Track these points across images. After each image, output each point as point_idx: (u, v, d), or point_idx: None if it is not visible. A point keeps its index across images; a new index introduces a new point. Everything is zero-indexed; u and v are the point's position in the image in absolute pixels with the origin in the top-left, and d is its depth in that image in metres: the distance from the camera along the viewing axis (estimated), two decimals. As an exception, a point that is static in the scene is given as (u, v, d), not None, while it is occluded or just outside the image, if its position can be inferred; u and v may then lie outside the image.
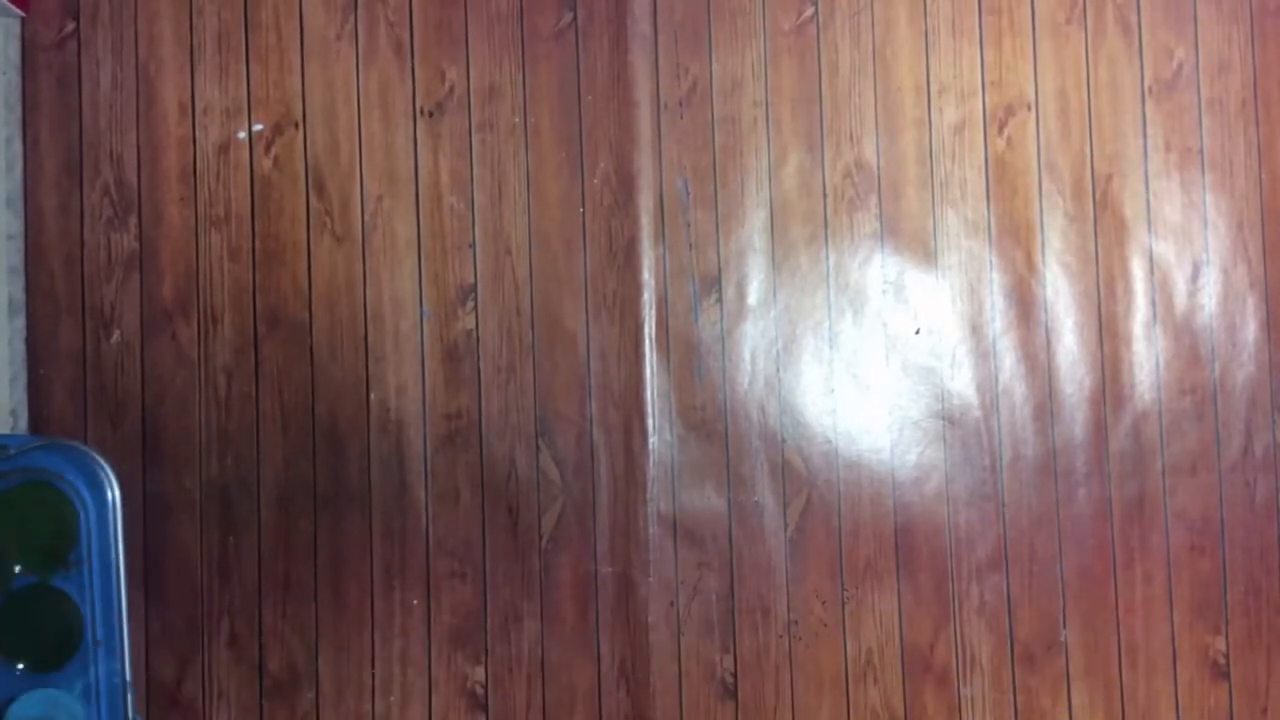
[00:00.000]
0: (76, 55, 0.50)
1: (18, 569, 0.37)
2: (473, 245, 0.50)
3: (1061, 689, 0.49)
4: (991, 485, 0.53)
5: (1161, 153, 0.51)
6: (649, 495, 0.53)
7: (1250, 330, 0.51)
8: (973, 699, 0.49)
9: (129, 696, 0.38)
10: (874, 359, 0.55)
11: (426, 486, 0.50)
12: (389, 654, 0.49)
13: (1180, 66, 0.52)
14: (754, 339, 0.53)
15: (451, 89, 0.50)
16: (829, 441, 0.55)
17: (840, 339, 0.54)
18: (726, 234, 0.50)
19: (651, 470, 0.54)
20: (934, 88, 0.51)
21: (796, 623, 0.49)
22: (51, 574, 0.37)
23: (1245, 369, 0.51)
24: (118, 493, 0.36)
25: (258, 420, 0.53)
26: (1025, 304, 0.50)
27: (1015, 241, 0.50)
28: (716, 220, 0.50)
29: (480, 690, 0.49)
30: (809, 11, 0.51)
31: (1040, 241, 0.51)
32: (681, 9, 0.51)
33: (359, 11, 0.50)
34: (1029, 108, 0.51)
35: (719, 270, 0.50)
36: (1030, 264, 0.50)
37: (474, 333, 0.55)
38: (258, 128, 0.50)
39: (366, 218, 0.50)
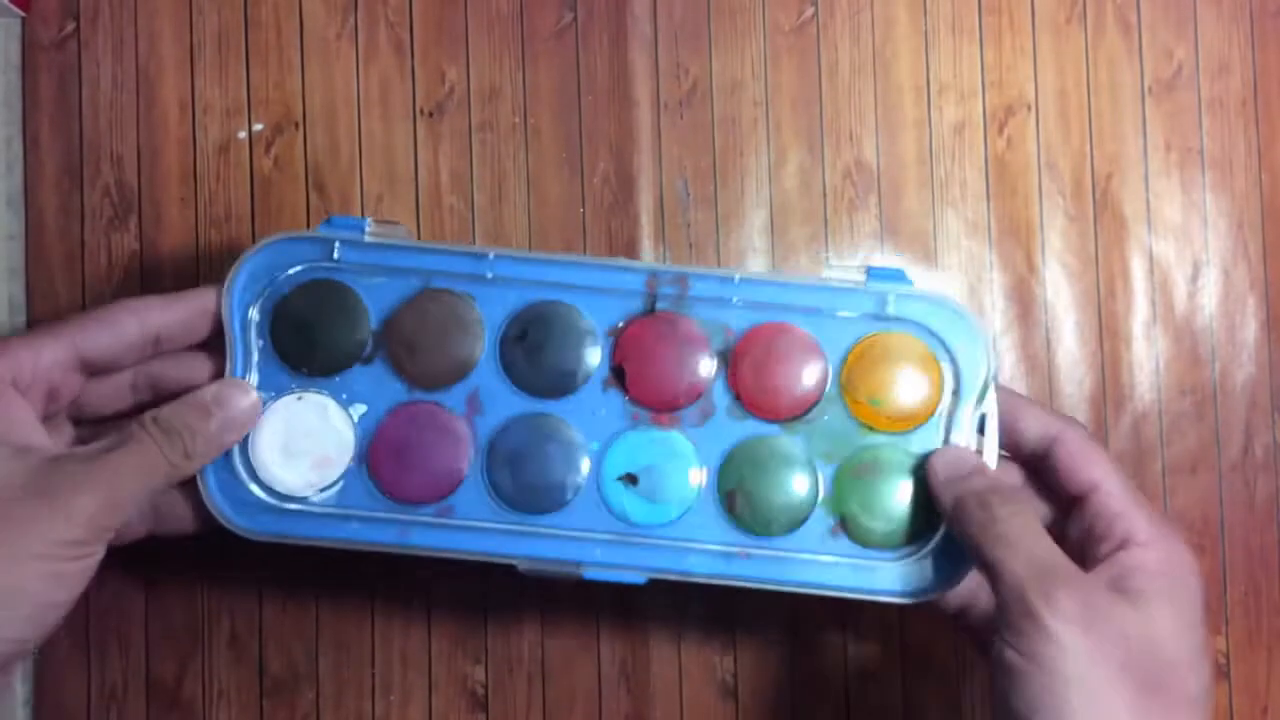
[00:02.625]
0: (76, 55, 0.50)
1: None
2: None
3: (1061, 689, 0.49)
4: (991, 485, 0.53)
5: (1161, 152, 0.51)
6: (649, 495, 0.53)
7: (1250, 330, 0.51)
8: (974, 699, 0.49)
9: None
10: (874, 359, 0.55)
11: (426, 486, 0.50)
12: (389, 654, 0.49)
13: (1180, 66, 0.51)
14: (754, 339, 0.53)
15: (451, 89, 0.50)
16: (829, 441, 0.55)
17: (840, 339, 0.54)
18: (726, 234, 0.50)
19: (651, 470, 0.54)
20: (934, 88, 0.51)
21: (797, 623, 0.49)
22: None
23: (1245, 369, 0.51)
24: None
25: (258, 420, 0.52)
26: (1025, 304, 0.50)
27: (1015, 241, 0.50)
28: (716, 220, 0.50)
29: (480, 690, 0.49)
30: (809, 11, 0.51)
31: (1040, 241, 0.50)
32: (681, 9, 0.50)
33: (359, 11, 0.50)
34: (1029, 108, 0.51)
35: (719, 270, 0.50)
36: (1030, 264, 0.50)
37: (474, 333, 0.54)
38: (258, 128, 0.50)
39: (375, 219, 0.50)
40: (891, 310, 0.38)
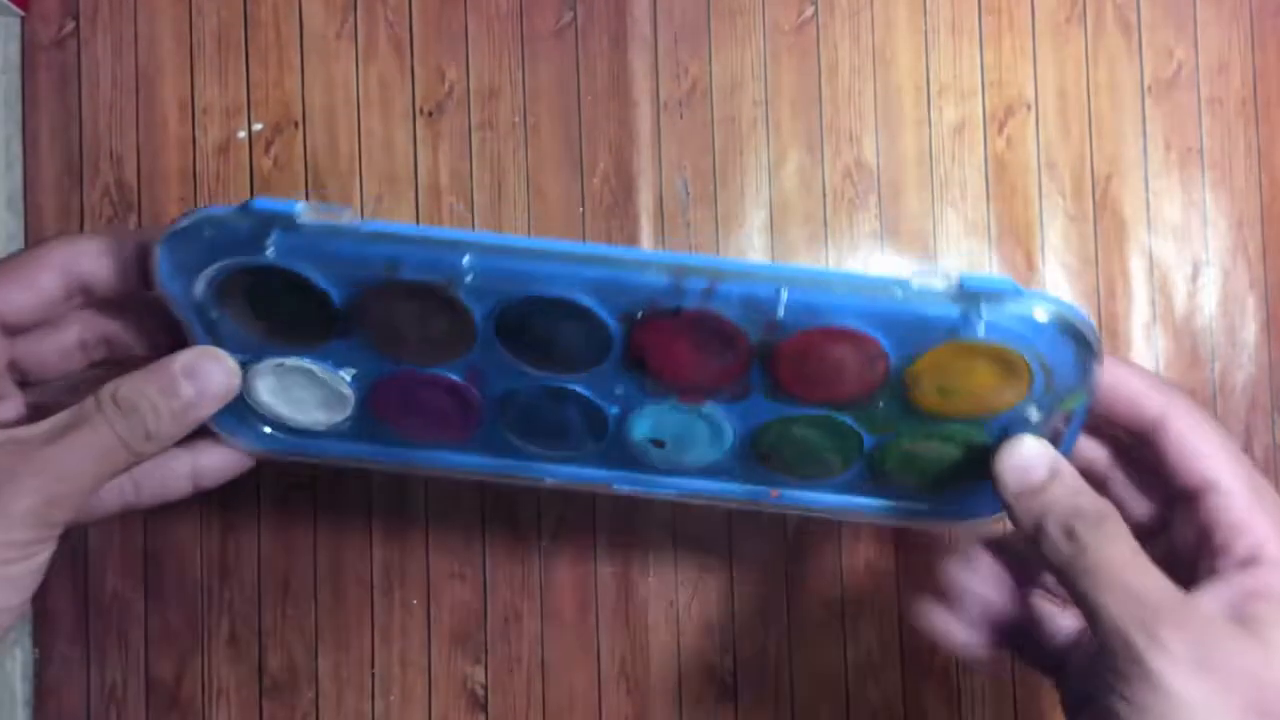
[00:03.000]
0: (76, 55, 0.50)
1: None
2: (473, 245, 0.50)
3: (1061, 689, 0.49)
4: (991, 485, 0.53)
5: (1161, 152, 0.51)
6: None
7: (1250, 330, 0.51)
8: (973, 698, 0.49)
9: None
10: (874, 359, 0.55)
11: (426, 485, 0.50)
12: (389, 654, 0.49)
13: (1180, 66, 0.51)
14: (754, 339, 0.53)
15: (451, 89, 0.50)
16: (829, 441, 0.55)
17: (840, 339, 0.54)
18: (726, 234, 0.50)
19: (651, 470, 0.54)
20: (934, 88, 0.51)
21: (797, 623, 0.49)
22: None
23: (1245, 369, 0.51)
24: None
25: (257, 420, 0.52)
26: (1025, 304, 0.50)
27: (1015, 241, 0.50)
28: (716, 220, 0.50)
29: (480, 690, 0.49)
30: (809, 11, 0.51)
31: (1040, 241, 0.50)
32: (681, 9, 0.50)
33: (358, 11, 0.50)
34: (1029, 108, 0.51)
35: (719, 270, 0.50)
36: (1030, 264, 0.50)
37: (474, 333, 0.54)
38: (257, 127, 0.50)
39: (366, 217, 0.50)
40: (981, 334, 0.29)
